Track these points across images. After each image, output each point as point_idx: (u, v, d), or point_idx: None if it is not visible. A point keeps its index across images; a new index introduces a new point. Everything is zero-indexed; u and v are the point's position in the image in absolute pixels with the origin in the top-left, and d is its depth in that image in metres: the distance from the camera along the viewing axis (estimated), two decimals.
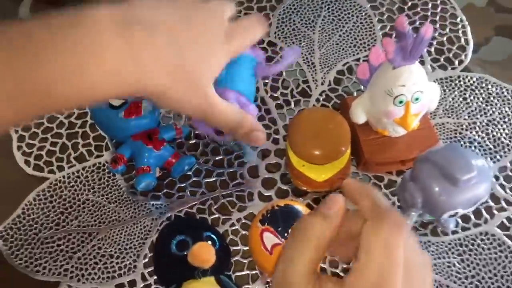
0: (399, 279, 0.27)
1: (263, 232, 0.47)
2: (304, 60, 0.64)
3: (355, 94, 0.61)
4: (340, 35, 0.65)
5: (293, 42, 0.65)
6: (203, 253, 0.45)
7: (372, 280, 0.26)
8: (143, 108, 0.52)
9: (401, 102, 0.47)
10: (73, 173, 0.57)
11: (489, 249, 0.52)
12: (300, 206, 0.49)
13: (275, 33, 0.66)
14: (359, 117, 0.51)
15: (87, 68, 0.32)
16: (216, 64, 0.38)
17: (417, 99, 0.47)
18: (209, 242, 0.48)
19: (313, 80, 0.62)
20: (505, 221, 0.53)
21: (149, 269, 0.51)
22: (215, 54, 0.38)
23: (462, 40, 0.65)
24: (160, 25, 0.35)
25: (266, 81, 0.62)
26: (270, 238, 0.47)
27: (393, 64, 0.47)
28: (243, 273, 0.51)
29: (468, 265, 0.51)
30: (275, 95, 0.61)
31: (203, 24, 0.37)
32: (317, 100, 0.61)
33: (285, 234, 0.47)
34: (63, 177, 0.57)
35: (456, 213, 0.42)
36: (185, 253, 0.46)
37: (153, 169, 0.53)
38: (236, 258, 0.52)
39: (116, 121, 0.52)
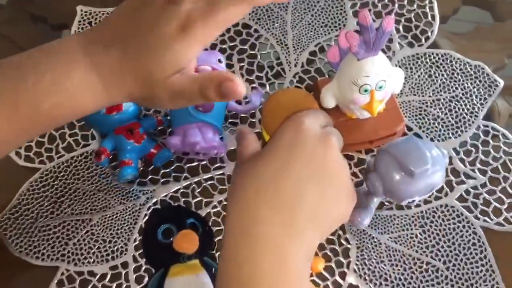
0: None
1: None
2: (277, 42, 0.66)
3: (327, 76, 0.64)
4: (312, 15, 0.67)
5: (267, 24, 0.67)
6: (187, 240, 0.50)
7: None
8: (123, 104, 0.55)
9: (366, 90, 0.51)
10: (62, 163, 0.60)
11: (448, 220, 0.57)
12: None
13: (249, 14, 0.68)
14: (329, 102, 0.54)
15: (63, 83, 0.37)
16: (172, 55, 0.38)
17: (380, 87, 0.51)
18: (193, 229, 0.52)
19: (287, 62, 0.65)
20: (464, 194, 0.58)
21: (139, 251, 0.56)
22: (166, 47, 0.38)
23: (429, 16, 0.68)
24: (115, 39, 0.39)
25: (242, 64, 0.65)
26: None
27: (357, 56, 0.50)
28: None
29: (429, 236, 0.56)
30: (251, 78, 0.64)
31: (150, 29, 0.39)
32: (291, 82, 0.64)
33: None
34: (53, 167, 0.60)
35: (414, 200, 0.47)
36: (171, 240, 0.51)
37: (135, 162, 0.57)
38: (219, 238, 0.57)
39: (99, 117, 0.55)
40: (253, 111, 0.62)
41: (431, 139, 0.60)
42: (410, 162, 0.45)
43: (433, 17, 0.67)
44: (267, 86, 0.64)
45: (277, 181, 0.38)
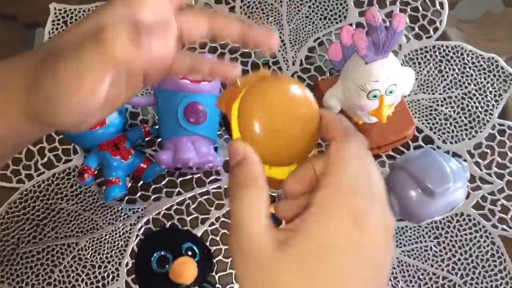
0: (373, 186, 0.28)
1: None
2: None
3: (328, 74, 0.59)
4: (309, 7, 0.62)
5: (260, 17, 0.61)
6: (185, 270, 0.46)
7: (349, 184, 0.27)
8: (107, 117, 0.50)
9: (375, 96, 0.46)
10: (43, 181, 0.55)
11: (464, 230, 0.53)
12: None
13: (240, 7, 0.62)
14: (334, 107, 0.49)
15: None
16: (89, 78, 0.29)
17: (391, 92, 0.46)
18: (189, 254, 0.48)
19: (284, 60, 0.60)
20: (480, 201, 0.54)
21: (132, 276, 0.51)
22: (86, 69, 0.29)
23: (437, 3, 0.62)
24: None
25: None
26: None
27: (365, 60, 0.45)
28: (226, 272, 0.52)
29: (444, 248, 0.52)
30: None
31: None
32: None
33: None
34: (33, 186, 0.55)
35: (433, 220, 0.43)
36: (167, 268, 0.46)
37: (123, 180, 0.52)
38: (218, 258, 0.52)
39: (81, 132, 0.49)
40: None
41: (443, 141, 0.56)
42: (429, 180, 0.41)
43: (441, 4, 0.62)
44: None
45: None
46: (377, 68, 0.45)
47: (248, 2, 0.62)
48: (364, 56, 0.44)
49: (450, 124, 0.56)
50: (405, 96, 0.57)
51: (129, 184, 0.55)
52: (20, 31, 0.64)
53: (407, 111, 0.53)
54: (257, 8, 0.62)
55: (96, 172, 0.53)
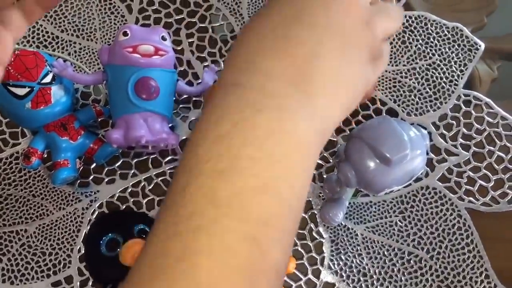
0: None
1: None
2: (230, 11, 0.58)
3: None
4: None
5: None
6: (135, 252, 0.43)
7: None
8: (52, 96, 0.47)
9: None
10: None
11: (430, 203, 0.51)
12: None
13: None
14: None
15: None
16: None
17: None
18: (143, 236, 0.45)
19: None
20: (446, 173, 0.52)
21: (85, 263, 0.49)
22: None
23: None
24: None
25: (191, 40, 0.57)
26: None
27: None
28: None
29: (410, 222, 0.50)
30: (202, 55, 0.56)
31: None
32: None
33: None
34: None
35: (392, 190, 0.41)
36: (117, 251, 0.44)
37: (72, 162, 0.49)
38: None
39: (23, 112, 0.47)
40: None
41: (408, 114, 0.54)
42: (385, 148, 0.38)
43: None
44: (221, 63, 0.56)
45: (289, 27, 0.27)
46: None
47: None
48: None
49: (415, 96, 0.55)
50: None
51: (81, 167, 0.52)
52: None
53: None
54: None
55: (45, 156, 0.50)
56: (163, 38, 0.50)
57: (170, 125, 0.51)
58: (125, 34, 0.49)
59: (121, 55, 0.48)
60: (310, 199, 0.51)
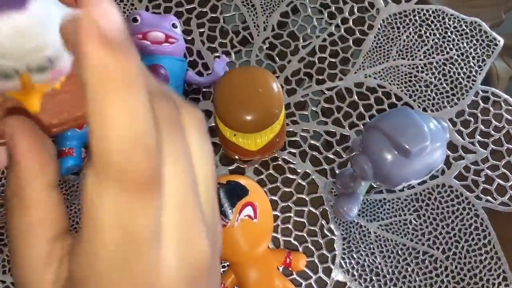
0: None
1: None
2: (243, 2, 0.56)
3: (301, 40, 0.55)
4: None
5: None
6: None
7: None
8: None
9: (6, 75, 0.22)
10: None
11: (446, 202, 0.49)
12: (244, 180, 0.45)
13: None
14: None
15: None
16: None
17: (42, 68, 0.22)
18: None
19: (255, 26, 0.56)
20: (463, 171, 0.50)
21: None
22: None
23: None
24: None
25: (202, 30, 0.55)
26: None
27: None
28: None
29: (425, 221, 0.49)
30: (213, 46, 0.55)
31: None
32: (260, 49, 0.55)
33: (229, 213, 0.43)
34: None
35: (410, 184, 0.39)
36: None
37: (77, 151, 0.48)
38: None
39: None
40: None
41: (424, 109, 0.52)
42: (404, 139, 0.37)
43: None
44: (233, 54, 0.55)
45: None
46: (2, 28, 0.20)
47: None
48: None
49: (431, 91, 0.53)
50: (384, 59, 0.53)
51: (86, 156, 0.50)
52: None
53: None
54: None
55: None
56: (174, 26, 0.49)
57: None
58: (135, 20, 0.48)
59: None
60: (322, 194, 0.49)
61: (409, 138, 0.37)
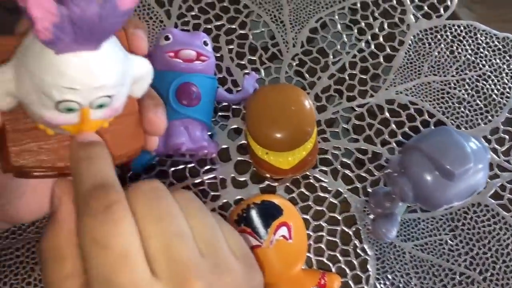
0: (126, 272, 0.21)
1: (240, 234, 0.43)
2: (272, 18, 0.56)
3: (331, 56, 0.55)
4: None
5: None
6: None
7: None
8: None
9: (70, 109, 0.24)
10: None
11: (482, 221, 0.48)
12: (277, 200, 0.45)
13: None
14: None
15: None
16: None
17: (101, 105, 0.24)
18: None
19: (284, 42, 0.55)
20: (499, 190, 0.49)
21: None
22: None
23: None
24: None
25: (231, 46, 0.55)
26: (248, 240, 0.42)
27: (52, 48, 0.22)
28: None
29: (461, 241, 0.48)
30: (242, 62, 0.55)
31: None
32: (290, 65, 0.54)
33: (264, 234, 0.42)
34: None
35: (451, 206, 0.38)
36: None
37: None
38: None
39: None
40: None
41: (457, 127, 0.52)
42: (447, 161, 0.36)
43: None
44: (262, 71, 0.54)
45: None
46: (77, 65, 0.22)
47: None
48: (50, 42, 0.21)
49: (464, 108, 0.52)
50: (416, 76, 0.52)
51: (117, 175, 0.50)
52: (1, 16, 0.61)
53: (136, 117, 0.28)
54: None
55: None
56: (205, 43, 0.49)
57: (209, 133, 0.50)
58: (167, 38, 0.47)
59: (163, 59, 0.47)
60: (355, 213, 0.49)
61: (452, 160, 0.36)
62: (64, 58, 0.22)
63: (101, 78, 0.23)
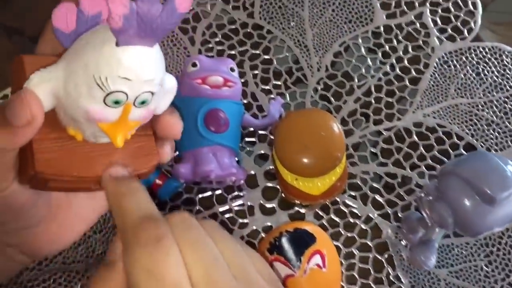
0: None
1: (273, 263, 0.42)
2: (295, 43, 0.56)
3: (356, 80, 0.55)
4: (333, 10, 0.58)
5: (281, 23, 0.57)
6: None
7: None
8: None
9: (117, 102, 0.26)
10: None
11: None
12: (310, 227, 0.44)
13: (259, 13, 0.58)
14: (42, 103, 0.26)
15: None
16: None
17: (143, 102, 0.27)
18: None
19: (308, 66, 0.55)
20: None
21: None
22: None
23: (470, 3, 0.58)
24: None
25: (256, 72, 0.55)
26: (281, 269, 0.42)
27: (117, 38, 0.25)
28: None
29: (497, 267, 0.46)
30: (267, 87, 0.54)
31: None
32: (315, 90, 0.54)
33: (298, 263, 0.41)
34: None
35: (492, 232, 0.37)
36: None
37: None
38: None
39: None
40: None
41: (487, 149, 0.51)
42: (488, 185, 0.35)
43: (474, 5, 0.58)
44: (287, 95, 0.54)
45: None
46: (134, 57, 0.25)
47: (268, 7, 0.58)
48: (118, 31, 0.24)
49: (493, 130, 0.52)
50: (442, 98, 0.52)
51: None
52: (26, 45, 0.61)
53: (151, 139, 0.31)
54: (277, 13, 0.58)
55: None
56: (232, 69, 0.49)
57: (237, 159, 0.49)
58: (194, 65, 0.47)
59: (190, 86, 0.47)
60: (387, 240, 0.48)
61: (493, 185, 0.35)
62: (124, 49, 0.25)
63: (152, 72, 0.26)
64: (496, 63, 0.55)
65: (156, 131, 0.31)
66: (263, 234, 0.48)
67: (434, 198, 0.38)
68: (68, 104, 0.26)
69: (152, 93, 0.26)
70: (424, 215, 0.42)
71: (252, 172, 0.51)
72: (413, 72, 0.55)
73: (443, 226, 0.38)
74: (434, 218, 0.38)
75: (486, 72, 0.54)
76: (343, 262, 0.47)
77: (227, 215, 0.49)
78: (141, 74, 0.25)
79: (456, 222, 0.37)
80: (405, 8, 0.58)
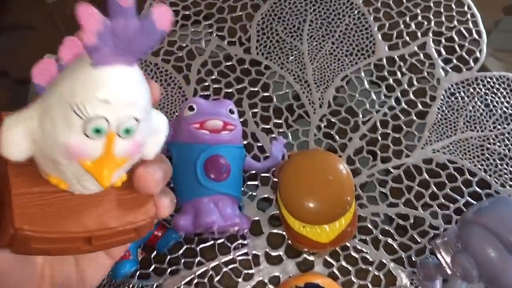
0: None
1: None
2: (295, 78, 0.54)
3: (360, 116, 0.52)
4: (333, 42, 0.55)
5: (279, 58, 0.55)
6: None
7: None
8: None
9: (98, 131, 0.23)
10: None
11: None
12: (321, 280, 0.41)
13: (256, 48, 0.55)
14: (16, 147, 0.23)
15: None
16: None
17: (128, 131, 0.23)
18: None
19: (310, 103, 0.53)
20: None
21: None
22: None
23: (474, 32, 0.56)
24: None
25: (255, 110, 0.52)
26: None
27: (92, 58, 0.22)
28: None
29: None
30: (267, 126, 0.52)
31: None
32: (318, 127, 0.52)
33: None
34: None
35: None
36: None
37: (133, 253, 0.44)
38: None
39: None
40: (274, 168, 0.50)
41: (502, 185, 0.48)
42: None
43: (478, 33, 0.56)
44: (289, 134, 0.51)
45: None
46: (112, 77, 0.22)
47: (265, 41, 0.56)
48: (93, 48, 0.22)
49: (507, 164, 0.49)
50: (452, 132, 0.49)
51: (141, 256, 0.46)
52: (11, 87, 0.58)
53: None
54: (275, 48, 0.55)
55: None
56: (231, 111, 0.46)
57: (239, 205, 0.46)
58: (191, 108, 0.45)
59: (188, 131, 0.44)
60: (401, 287, 0.45)
61: None
62: (101, 70, 0.22)
63: (133, 93, 0.23)
64: (505, 93, 0.53)
65: None
66: (270, 286, 0.45)
67: (456, 249, 0.36)
68: (45, 144, 0.23)
69: (137, 120, 0.23)
70: (442, 261, 0.39)
71: (256, 218, 0.48)
72: (420, 106, 0.52)
73: (467, 279, 0.35)
74: (458, 271, 0.35)
75: (495, 103, 0.52)
76: None
77: (230, 266, 0.46)
78: (121, 95, 0.23)
79: (482, 275, 0.34)
80: (407, 38, 0.56)
